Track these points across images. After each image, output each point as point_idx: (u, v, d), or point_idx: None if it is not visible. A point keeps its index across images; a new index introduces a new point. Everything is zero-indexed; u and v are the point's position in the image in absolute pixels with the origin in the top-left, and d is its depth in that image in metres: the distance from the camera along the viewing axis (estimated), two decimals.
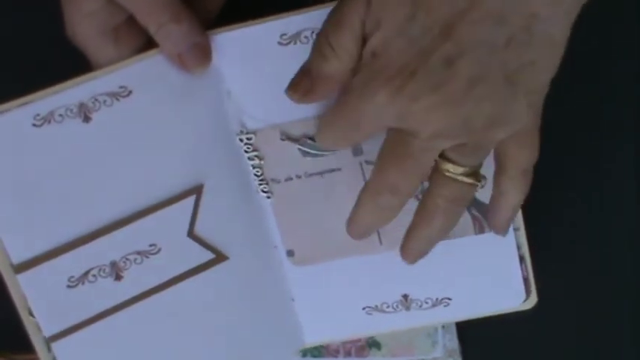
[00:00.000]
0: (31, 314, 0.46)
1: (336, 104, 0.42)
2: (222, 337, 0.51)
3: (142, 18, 0.44)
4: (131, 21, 0.45)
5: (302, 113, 0.47)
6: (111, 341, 0.48)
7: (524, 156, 0.44)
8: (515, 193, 0.45)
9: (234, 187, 0.49)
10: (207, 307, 0.50)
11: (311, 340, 0.54)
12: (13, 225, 0.45)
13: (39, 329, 0.47)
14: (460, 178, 0.41)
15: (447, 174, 0.41)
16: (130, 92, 0.45)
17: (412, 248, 0.45)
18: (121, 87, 0.45)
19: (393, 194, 0.42)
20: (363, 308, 0.52)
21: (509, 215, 0.46)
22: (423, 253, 0.45)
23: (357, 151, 0.48)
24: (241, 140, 0.48)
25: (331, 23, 0.41)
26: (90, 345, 0.48)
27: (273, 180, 0.49)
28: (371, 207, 0.43)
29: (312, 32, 0.45)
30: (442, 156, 0.41)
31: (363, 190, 0.43)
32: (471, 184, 0.42)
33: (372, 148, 0.47)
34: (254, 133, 0.48)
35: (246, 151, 0.48)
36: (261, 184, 0.49)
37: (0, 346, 0.56)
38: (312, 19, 0.45)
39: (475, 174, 0.42)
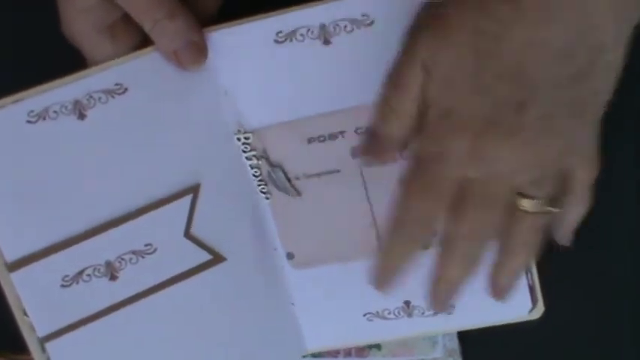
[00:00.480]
0: (25, 314, 0.46)
1: (408, 172, 0.42)
2: (220, 341, 0.50)
3: (136, 15, 0.44)
4: (127, 18, 0.45)
5: (301, 112, 0.47)
6: (105, 342, 0.48)
7: (589, 174, 0.44)
8: (581, 207, 0.46)
9: (232, 187, 0.49)
10: (204, 309, 0.49)
11: (312, 347, 0.53)
12: (7, 222, 0.45)
13: (33, 329, 0.46)
14: (539, 209, 0.42)
15: (524, 209, 0.42)
16: (126, 90, 0.45)
17: (503, 284, 0.46)
18: (117, 84, 0.45)
19: (481, 242, 0.43)
20: (364, 314, 0.51)
21: (574, 227, 0.47)
22: (512, 287, 0.46)
23: (356, 153, 0.48)
24: (239, 139, 0.48)
25: (390, 87, 0.42)
26: (84, 345, 0.47)
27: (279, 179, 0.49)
28: (460, 259, 0.44)
29: (308, 30, 0.45)
30: (518, 194, 0.42)
31: (448, 244, 0.43)
32: (549, 212, 0.42)
33: None
34: (252, 132, 0.48)
35: (244, 151, 0.48)
36: (259, 185, 0.49)
37: (2, 346, 0.56)
38: (307, 16, 0.45)
39: (552, 201, 0.43)
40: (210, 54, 0.46)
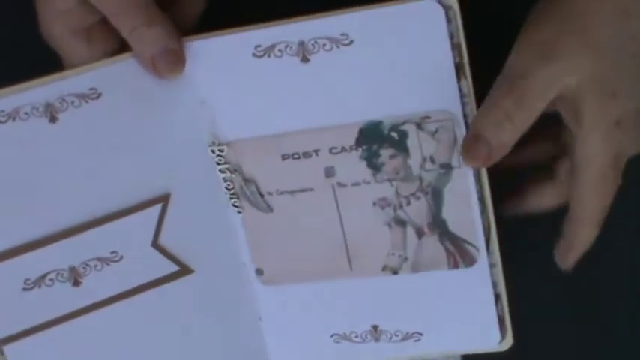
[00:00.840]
0: None
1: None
2: (184, 353, 0.50)
3: (114, 20, 0.44)
4: (105, 22, 0.44)
5: (276, 128, 0.46)
6: (65, 348, 0.47)
7: None
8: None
9: (204, 199, 0.48)
10: (168, 320, 0.49)
11: None
12: None
13: None
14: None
15: None
16: (100, 95, 0.44)
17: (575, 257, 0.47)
18: (91, 89, 0.44)
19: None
20: (332, 335, 0.50)
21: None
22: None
23: (329, 173, 0.47)
24: (213, 152, 0.47)
25: (512, 99, 0.41)
26: (44, 350, 0.47)
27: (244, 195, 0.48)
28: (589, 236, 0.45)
29: (287, 46, 0.44)
30: None
31: (573, 223, 0.45)
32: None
33: (344, 171, 0.46)
34: (227, 144, 0.47)
35: (217, 163, 0.47)
36: (232, 198, 0.48)
37: None
38: (286, 32, 0.44)
39: None
40: (189, 63, 0.45)
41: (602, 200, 0.44)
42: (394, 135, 0.45)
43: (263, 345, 0.51)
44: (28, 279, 0.45)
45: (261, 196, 0.48)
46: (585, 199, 0.44)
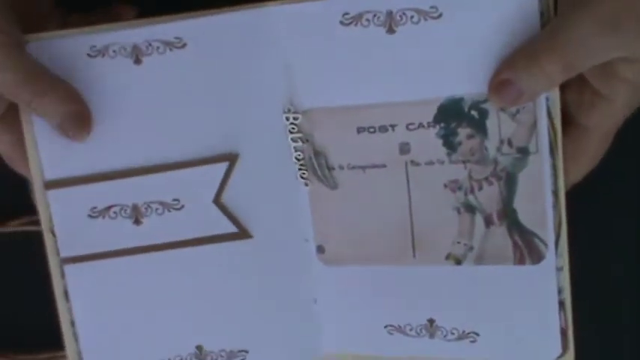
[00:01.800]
0: (53, 234, 0.48)
1: None
2: (228, 317, 0.49)
3: (10, 97, 0.45)
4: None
5: (355, 99, 0.46)
6: (118, 281, 0.48)
7: None
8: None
9: (272, 167, 0.48)
10: (219, 280, 0.49)
11: (328, 349, 0.50)
12: (53, 143, 0.46)
13: (57, 252, 0.48)
14: None
15: None
16: (185, 45, 0.46)
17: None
18: (177, 38, 0.45)
19: None
20: (385, 326, 0.49)
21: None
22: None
23: (404, 149, 0.46)
24: (287, 119, 0.47)
25: (561, 66, 0.41)
26: (99, 278, 0.48)
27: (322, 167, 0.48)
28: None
29: (375, 15, 0.44)
30: None
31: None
32: None
33: (419, 148, 0.45)
34: (302, 113, 0.47)
35: (290, 131, 0.47)
36: (300, 169, 0.48)
37: (3, 346, 0.57)
38: (375, 1, 0.44)
39: None
40: (276, 26, 0.46)
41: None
42: (474, 113, 0.44)
43: (315, 328, 0.50)
44: (94, 207, 0.47)
45: (331, 169, 0.47)
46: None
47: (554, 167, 0.44)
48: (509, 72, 0.42)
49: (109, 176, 0.47)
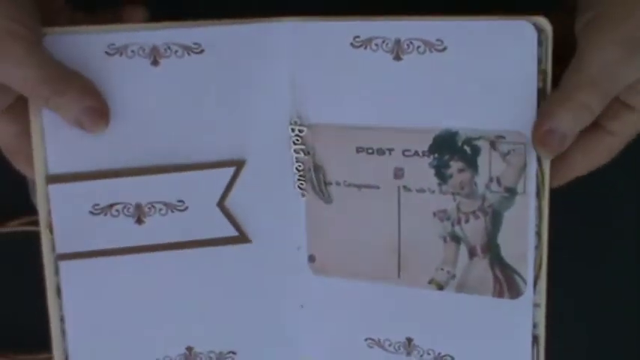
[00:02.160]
0: (50, 230, 0.48)
1: None
2: (220, 316, 0.51)
3: (28, 95, 0.45)
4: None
5: (358, 119, 0.47)
6: (113, 279, 0.49)
7: None
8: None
9: (275, 175, 0.50)
10: (212, 281, 0.50)
11: (307, 354, 0.52)
12: (60, 137, 0.47)
13: (53, 248, 0.48)
14: None
15: None
16: (202, 51, 0.47)
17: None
18: (195, 43, 0.47)
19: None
20: (366, 339, 0.51)
21: None
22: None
23: (398, 174, 0.48)
24: (293, 130, 0.49)
25: (598, 98, 0.43)
26: (93, 276, 0.49)
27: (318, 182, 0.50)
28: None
29: (384, 41, 0.46)
30: None
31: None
32: None
33: (412, 175, 0.47)
34: (307, 126, 0.48)
35: (294, 143, 0.49)
36: (299, 180, 0.50)
37: (3, 346, 0.57)
38: (385, 28, 0.45)
39: None
40: (290, 41, 0.47)
41: None
42: (467, 148, 0.46)
43: (297, 333, 0.52)
44: (97, 204, 0.48)
45: (328, 184, 0.49)
46: None
47: (539, 209, 0.45)
48: (549, 121, 0.43)
49: (114, 174, 0.48)
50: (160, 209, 0.49)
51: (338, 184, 0.49)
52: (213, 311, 0.51)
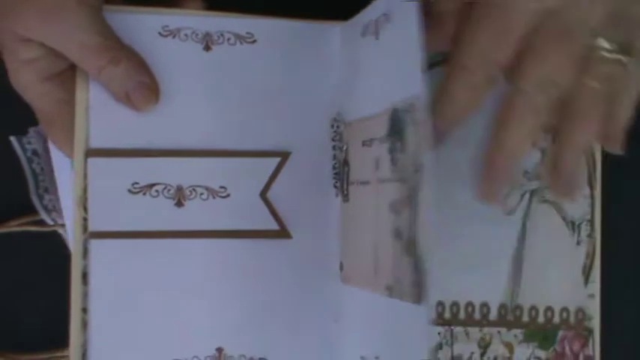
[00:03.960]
0: (85, 209, 0.45)
1: (475, 14, 0.40)
2: (252, 319, 0.48)
3: (81, 64, 0.45)
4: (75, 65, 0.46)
5: (361, 112, 0.47)
6: (146, 265, 0.46)
7: None
8: None
9: (315, 172, 0.49)
10: (249, 279, 0.48)
11: None
12: (105, 111, 0.46)
13: (84, 229, 0.45)
14: (613, 53, 0.40)
15: (600, 49, 0.40)
16: (255, 41, 0.48)
17: (567, 164, 0.41)
18: (248, 33, 0.48)
19: (549, 97, 0.40)
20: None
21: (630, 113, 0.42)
22: (577, 172, 0.43)
23: (377, 165, 0.44)
24: (332, 126, 0.49)
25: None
26: (124, 260, 0.46)
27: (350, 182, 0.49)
28: (526, 117, 0.40)
29: (375, 22, 0.44)
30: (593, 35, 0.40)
31: (511, 101, 0.40)
32: (620, 61, 0.40)
33: (382, 165, 0.43)
34: (345, 124, 0.49)
35: (333, 139, 0.49)
36: (334, 178, 0.49)
37: (3, 346, 0.54)
38: (372, 11, 0.45)
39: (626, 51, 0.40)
40: (336, 43, 0.49)
41: None
42: (402, 124, 0.41)
43: (330, 347, 0.49)
44: (136, 183, 0.46)
45: (347, 184, 0.48)
46: None
47: None
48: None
49: (158, 153, 0.46)
50: (202, 194, 0.47)
51: (352, 183, 0.48)
52: (246, 312, 0.48)
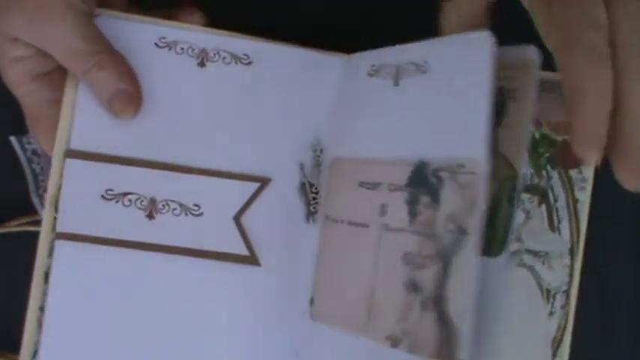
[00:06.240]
0: (56, 209, 0.45)
1: None
2: (213, 344, 0.47)
3: (66, 65, 0.45)
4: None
5: (362, 152, 0.46)
6: (109, 275, 0.46)
7: None
8: None
9: (291, 200, 0.48)
10: (213, 302, 0.47)
11: None
12: (91, 114, 0.46)
13: (53, 228, 0.45)
14: None
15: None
16: (250, 63, 0.48)
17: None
18: (245, 54, 0.48)
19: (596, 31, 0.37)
20: None
21: None
22: None
23: (383, 211, 0.44)
24: (314, 151, 0.48)
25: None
26: (88, 265, 0.45)
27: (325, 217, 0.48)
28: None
29: (397, 68, 0.44)
30: None
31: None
32: None
33: (392, 212, 0.43)
34: (325, 152, 0.48)
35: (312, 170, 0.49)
36: (310, 204, 0.48)
37: (3, 346, 0.55)
38: (393, 55, 0.45)
39: None
40: (335, 77, 0.48)
41: None
42: (433, 180, 0.41)
43: None
44: (110, 189, 0.46)
45: (325, 217, 0.47)
46: None
47: None
48: None
49: (136, 163, 0.46)
50: (174, 209, 0.46)
51: (335, 221, 0.47)
52: (203, 333, 0.47)
